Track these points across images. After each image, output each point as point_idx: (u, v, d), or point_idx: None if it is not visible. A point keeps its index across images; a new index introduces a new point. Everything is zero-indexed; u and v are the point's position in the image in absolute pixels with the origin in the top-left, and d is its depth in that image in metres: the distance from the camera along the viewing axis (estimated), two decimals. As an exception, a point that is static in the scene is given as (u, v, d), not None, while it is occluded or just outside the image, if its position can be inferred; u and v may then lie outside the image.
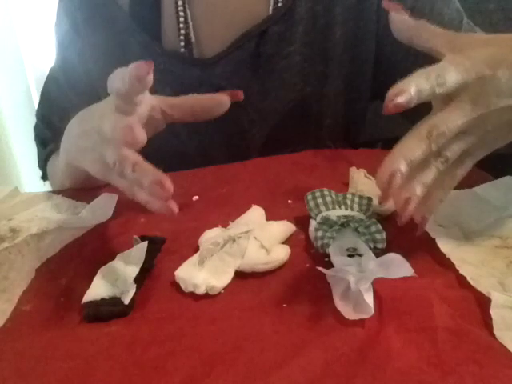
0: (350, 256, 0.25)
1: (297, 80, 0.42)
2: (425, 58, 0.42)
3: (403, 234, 0.27)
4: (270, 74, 0.42)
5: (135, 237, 0.29)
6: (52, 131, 0.47)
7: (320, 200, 0.29)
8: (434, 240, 0.28)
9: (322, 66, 0.42)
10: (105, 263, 0.27)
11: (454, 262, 0.26)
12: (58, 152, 0.45)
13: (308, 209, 0.30)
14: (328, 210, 0.29)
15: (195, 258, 0.27)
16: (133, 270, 0.26)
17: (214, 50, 0.41)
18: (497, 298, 0.23)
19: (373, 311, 0.22)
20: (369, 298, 0.22)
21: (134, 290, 0.25)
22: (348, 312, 0.23)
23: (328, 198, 0.29)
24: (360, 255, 0.26)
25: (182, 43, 0.41)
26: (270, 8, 0.40)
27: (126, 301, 0.24)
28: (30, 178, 0.47)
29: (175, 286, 0.26)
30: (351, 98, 0.44)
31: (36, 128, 0.49)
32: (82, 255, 0.30)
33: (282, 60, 0.41)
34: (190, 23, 0.40)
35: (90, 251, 0.30)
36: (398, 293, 0.24)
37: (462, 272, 0.25)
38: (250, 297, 0.25)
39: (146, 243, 0.28)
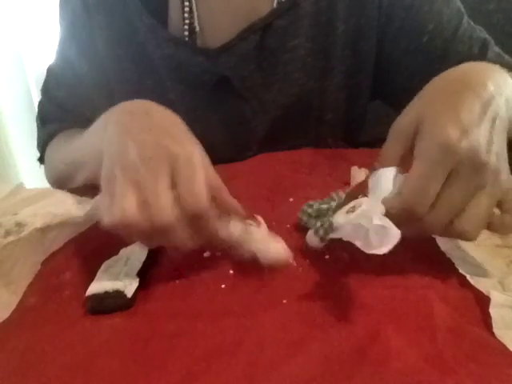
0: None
1: (300, 74, 0.43)
2: (424, 57, 0.42)
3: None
4: (274, 67, 0.42)
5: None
6: (56, 106, 0.46)
7: (310, 210, 0.29)
8: (433, 239, 0.28)
9: (325, 61, 0.43)
10: (108, 258, 0.28)
11: (453, 261, 0.26)
12: (67, 134, 0.43)
13: (303, 222, 0.29)
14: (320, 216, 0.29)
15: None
16: (136, 265, 0.26)
17: (218, 40, 0.41)
18: (496, 297, 0.23)
19: (399, 233, 0.21)
20: (388, 224, 0.21)
21: (136, 284, 0.25)
22: (379, 248, 0.21)
23: (316, 206, 0.29)
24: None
25: (186, 32, 0.41)
26: (275, 2, 0.40)
27: (129, 294, 0.25)
28: (29, 178, 0.46)
29: (177, 281, 0.27)
30: (352, 94, 0.45)
31: (40, 104, 0.49)
32: (86, 250, 0.30)
33: (285, 53, 0.42)
34: (195, 13, 0.41)
35: (94, 246, 0.31)
36: (398, 292, 0.25)
37: (461, 271, 0.25)
38: (250, 293, 0.25)
39: (149, 238, 0.28)
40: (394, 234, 0.21)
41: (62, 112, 0.46)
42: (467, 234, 0.23)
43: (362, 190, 0.26)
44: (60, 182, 0.41)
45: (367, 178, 0.25)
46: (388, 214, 0.22)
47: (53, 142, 0.46)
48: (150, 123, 0.25)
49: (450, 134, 0.22)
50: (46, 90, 0.48)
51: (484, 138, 0.22)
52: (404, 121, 0.25)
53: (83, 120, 0.30)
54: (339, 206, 0.26)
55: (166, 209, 0.23)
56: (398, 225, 0.21)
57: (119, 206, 0.23)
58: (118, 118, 0.27)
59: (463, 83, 0.25)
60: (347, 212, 0.24)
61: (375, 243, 0.21)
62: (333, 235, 0.23)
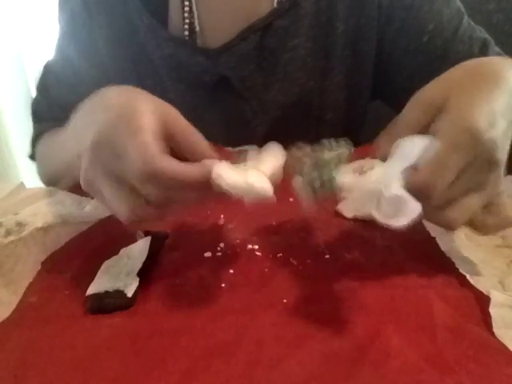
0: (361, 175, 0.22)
1: (300, 74, 0.43)
2: (424, 57, 0.42)
3: (404, 233, 0.27)
4: (274, 67, 0.42)
5: (139, 232, 0.29)
6: (55, 104, 0.46)
7: (299, 153, 0.25)
8: (434, 239, 0.28)
9: (325, 61, 0.43)
10: (109, 257, 0.28)
11: (453, 260, 0.26)
12: (53, 133, 0.43)
13: (290, 167, 0.25)
14: (312, 158, 0.25)
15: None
16: (136, 264, 0.26)
17: (218, 40, 0.41)
18: (496, 296, 0.23)
19: (419, 206, 0.19)
20: (407, 195, 0.19)
21: (136, 284, 0.25)
22: (397, 220, 0.20)
23: (307, 149, 0.25)
24: (371, 169, 0.22)
25: (187, 32, 0.41)
26: (275, 1, 0.40)
27: (129, 294, 0.25)
28: (29, 178, 0.47)
29: (177, 280, 0.27)
30: (352, 94, 0.45)
31: (34, 101, 0.48)
32: (87, 249, 0.30)
33: (285, 53, 0.42)
34: (195, 13, 0.41)
35: (94, 246, 0.31)
36: (398, 291, 0.25)
37: (461, 271, 0.25)
38: (250, 293, 0.25)
39: (149, 238, 0.28)
40: (413, 208, 0.20)
41: (60, 110, 0.46)
42: (451, 224, 0.23)
43: (366, 153, 0.24)
44: (50, 182, 0.41)
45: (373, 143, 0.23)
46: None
47: (42, 140, 0.46)
48: (99, 113, 0.24)
49: (479, 122, 0.21)
50: (44, 87, 0.47)
51: (503, 136, 0.22)
52: (430, 92, 0.24)
53: None
54: (338, 161, 0.24)
55: (151, 193, 0.22)
56: None
57: (119, 210, 0.23)
58: (75, 121, 0.27)
59: (494, 76, 0.24)
60: (354, 171, 0.22)
61: (389, 213, 0.20)
62: (338, 194, 0.21)
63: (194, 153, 0.24)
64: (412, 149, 0.21)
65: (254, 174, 0.22)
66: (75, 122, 0.28)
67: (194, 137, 0.24)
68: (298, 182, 0.24)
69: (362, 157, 0.25)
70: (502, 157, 0.22)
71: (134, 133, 0.22)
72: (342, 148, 0.25)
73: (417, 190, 0.21)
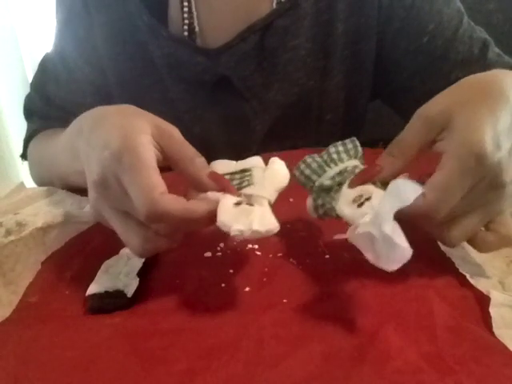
0: (359, 206, 0.23)
1: (300, 74, 0.43)
2: (424, 57, 0.42)
3: (403, 233, 0.27)
4: (274, 67, 0.42)
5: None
6: (45, 100, 0.46)
7: (308, 171, 0.26)
8: (434, 239, 0.28)
9: (325, 61, 0.43)
10: (109, 257, 0.28)
11: (453, 260, 0.26)
12: (45, 137, 0.43)
13: (301, 184, 0.27)
14: (319, 176, 0.26)
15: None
16: (136, 264, 0.26)
17: (218, 40, 0.41)
18: (496, 296, 0.23)
19: (410, 250, 0.19)
20: (398, 238, 0.19)
21: (137, 284, 0.25)
22: (388, 263, 0.20)
23: (314, 165, 0.27)
24: (368, 199, 0.23)
25: (186, 33, 0.41)
26: (275, 2, 0.41)
27: (129, 294, 0.25)
28: (29, 178, 0.47)
29: (177, 280, 0.27)
30: (352, 94, 0.45)
31: (26, 97, 0.48)
32: (87, 249, 0.30)
33: (285, 53, 0.42)
34: (194, 13, 0.41)
35: (94, 245, 0.31)
36: (398, 291, 0.25)
37: (461, 271, 0.25)
38: (250, 293, 0.25)
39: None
40: (404, 252, 0.19)
41: (54, 108, 0.45)
42: (452, 242, 0.23)
43: (368, 176, 0.24)
44: (42, 183, 0.41)
45: (375, 165, 0.24)
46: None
47: (34, 143, 0.46)
48: (99, 147, 0.23)
49: (486, 145, 0.21)
50: (39, 84, 0.47)
51: (508, 156, 0.22)
52: (435, 109, 0.23)
53: (68, 118, 0.30)
54: (338, 182, 0.24)
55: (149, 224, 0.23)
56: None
57: (130, 245, 0.24)
58: (70, 138, 0.27)
59: (500, 94, 0.23)
60: (353, 201, 0.23)
61: (381, 254, 0.20)
62: (341, 236, 0.22)
63: (193, 181, 0.24)
64: (409, 193, 0.21)
65: (258, 217, 0.22)
66: (70, 139, 0.28)
67: (193, 164, 0.24)
68: (308, 204, 0.26)
69: (367, 160, 0.25)
70: (507, 177, 0.22)
71: (137, 171, 0.22)
72: (351, 158, 0.26)
73: (421, 214, 0.21)
